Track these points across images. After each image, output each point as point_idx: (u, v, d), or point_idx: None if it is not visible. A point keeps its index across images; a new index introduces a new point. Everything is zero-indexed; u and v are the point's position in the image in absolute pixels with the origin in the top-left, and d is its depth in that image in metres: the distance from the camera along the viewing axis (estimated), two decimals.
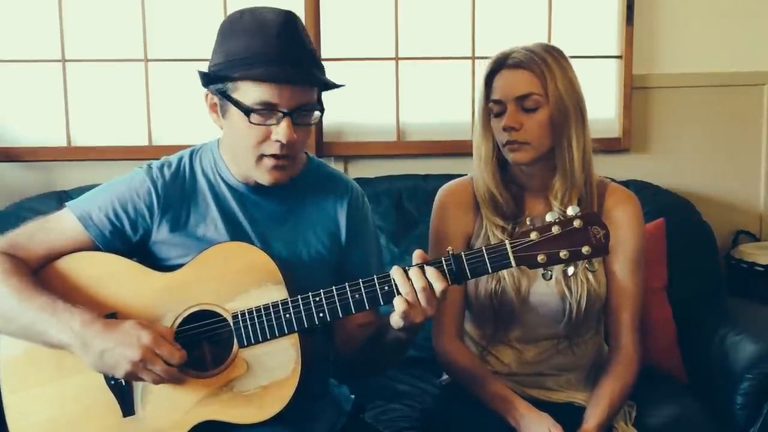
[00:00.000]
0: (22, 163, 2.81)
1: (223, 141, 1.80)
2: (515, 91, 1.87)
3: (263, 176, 1.69)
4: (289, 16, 1.65)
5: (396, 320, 1.58)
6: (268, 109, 1.62)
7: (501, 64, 1.90)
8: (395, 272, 1.57)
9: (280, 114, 1.62)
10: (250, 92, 1.61)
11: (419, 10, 2.89)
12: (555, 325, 1.94)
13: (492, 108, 1.91)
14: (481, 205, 1.97)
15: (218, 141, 1.83)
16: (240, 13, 1.67)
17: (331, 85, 1.69)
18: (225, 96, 1.65)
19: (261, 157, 1.66)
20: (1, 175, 2.80)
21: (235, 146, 1.72)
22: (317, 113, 1.69)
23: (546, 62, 1.87)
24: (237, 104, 1.63)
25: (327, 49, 2.84)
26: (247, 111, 1.62)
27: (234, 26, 1.66)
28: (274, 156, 1.65)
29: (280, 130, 1.62)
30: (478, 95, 1.95)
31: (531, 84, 1.87)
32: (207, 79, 1.67)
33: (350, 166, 2.91)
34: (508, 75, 1.89)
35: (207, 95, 1.72)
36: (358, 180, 2.72)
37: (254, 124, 1.63)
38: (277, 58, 1.60)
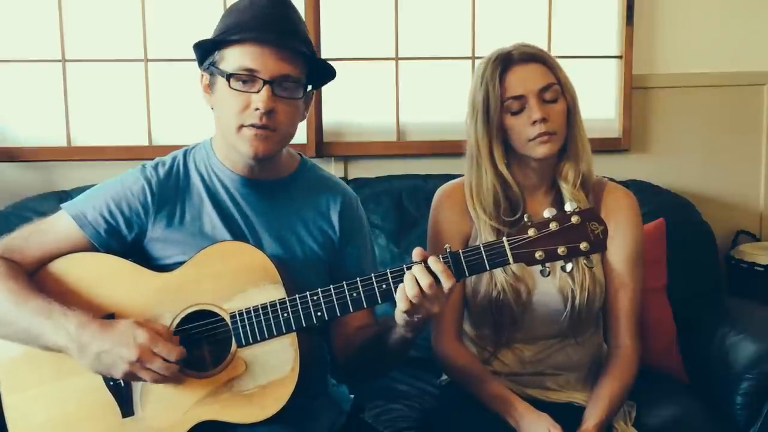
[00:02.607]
0: (22, 163, 2.81)
1: (216, 135, 1.80)
2: (536, 84, 1.86)
3: (244, 146, 1.68)
4: None
5: (399, 316, 1.58)
6: (248, 76, 1.65)
7: (509, 61, 1.88)
8: (407, 277, 1.56)
9: (261, 82, 1.64)
10: (232, 58, 1.66)
11: (419, 10, 2.89)
12: (555, 325, 1.94)
13: (510, 105, 1.88)
14: (481, 210, 1.94)
15: (211, 139, 1.83)
16: None
17: (317, 62, 1.72)
18: (213, 68, 1.69)
19: (241, 127, 1.67)
20: (1, 175, 2.80)
21: (220, 119, 1.73)
22: (300, 89, 1.70)
23: (549, 54, 1.91)
24: (221, 72, 1.67)
25: (327, 49, 2.84)
26: (228, 76, 1.65)
27: (230, 8, 1.73)
28: (253, 125, 1.66)
29: (259, 98, 1.64)
30: (484, 96, 1.89)
31: (548, 75, 1.88)
32: (200, 53, 1.72)
33: (350, 166, 2.91)
34: (522, 70, 1.88)
35: (201, 75, 1.75)
36: (358, 180, 2.73)
37: (234, 89, 1.65)
38: (258, 26, 1.65)
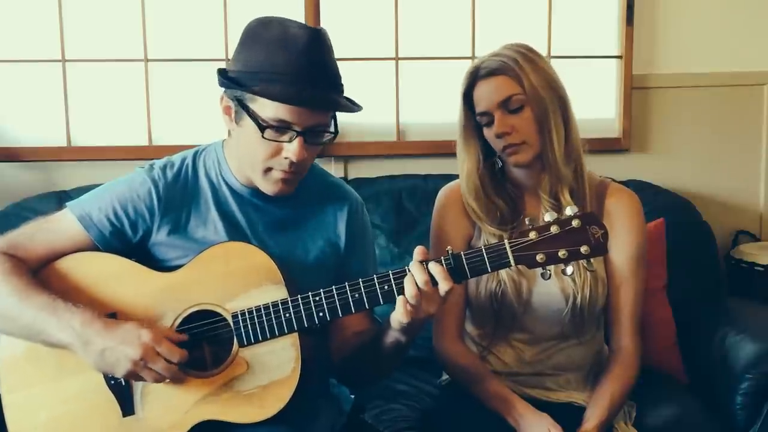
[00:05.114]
0: (22, 163, 2.80)
1: (230, 144, 1.80)
2: (496, 98, 1.87)
3: (268, 187, 1.69)
4: (316, 35, 1.63)
5: (396, 317, 1.59)
6: (282, 126, 1.62)
7: (475, 77, 1.91)
8: (407, 278, 1.57)
9: (294, 132, 1.62)
10: (267, 108, 1.61)
11: (419, 10, 2.89)
12: (556, 325, 1.94)
13: (481, 120, 1.92)
14: (473, 217, 1.97)
15: (223, 142, 1.83)
16: (268, 22, 1.65)
17: (349, 109, 1.69)
18: (241, 104, 1.64)
19: (269, 169, 1.67)
20: (1, 175, 2.80)
21: (244, 154, 1.71)
22: (329, 135, 1.69)
23: (516, 61, 1.87)
24: (253, 116, 1.63)
25: None
26: (262, 126, 1.62)
27: (259, 35, 1.65)
28: (282, 170, 1.66)
29: (292, 149, 1.63)
30: (460, 110, 1.95)
31: (508, 86, 1.87)
32: (225, 81, 1.67)
33: (350, 166, 2.91)
34: (484, 86, 1.89)
35: (222, 97, 1.71)
36: (358, 180, 2.73)
37: (267, 139, 1.63)
38: (297, 79, 1.60)
